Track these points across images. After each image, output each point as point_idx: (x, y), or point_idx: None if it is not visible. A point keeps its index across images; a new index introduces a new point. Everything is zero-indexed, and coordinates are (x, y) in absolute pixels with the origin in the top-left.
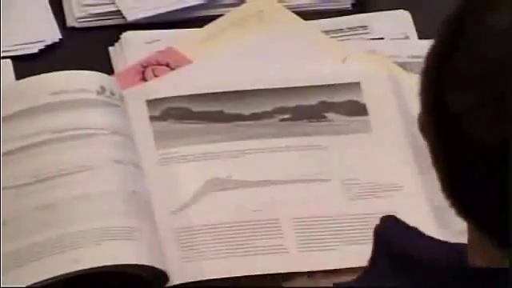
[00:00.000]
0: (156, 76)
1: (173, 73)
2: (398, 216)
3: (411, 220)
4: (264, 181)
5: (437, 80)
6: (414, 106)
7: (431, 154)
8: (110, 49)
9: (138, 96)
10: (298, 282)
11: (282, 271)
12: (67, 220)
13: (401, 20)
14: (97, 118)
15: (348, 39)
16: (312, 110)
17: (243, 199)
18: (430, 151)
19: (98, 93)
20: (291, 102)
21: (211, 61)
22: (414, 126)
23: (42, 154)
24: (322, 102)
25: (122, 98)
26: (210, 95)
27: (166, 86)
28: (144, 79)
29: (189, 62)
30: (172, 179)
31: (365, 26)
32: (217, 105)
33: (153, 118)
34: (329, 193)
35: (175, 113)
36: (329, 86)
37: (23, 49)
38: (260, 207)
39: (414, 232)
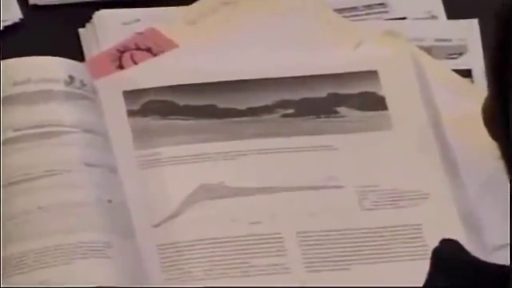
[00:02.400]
0: (135, 63)
1: (155, 59)
2: (424, 229)
3: (439, 234)
4: (264, 188)
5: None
6: (442, 99)
7: (499, 148)
8: (81, 31)
9: (113, 87)
10: None
11: None
12: (31, 234)
13: None
14: (65, 113)
15: (364, 19)
16: (320, 104)
17: (239, 210)
18: (498, 145)
19: (67, 83)
20: (296, 95)
21: (201, 45)
22: (441, 121)
23: (1, 156)
24: (333, 95)
25: (94, 90)
26: (199, 86)
27: (147, 74)
28: (121, 67)
29: (174, 46)
30: (154, 186)
31: (383, 4)
32: (207, 98)
33: (131, 113)
34: (341, 202)
35: (158, 107)
36: (341, 75)
37: None
38: (259, 219)
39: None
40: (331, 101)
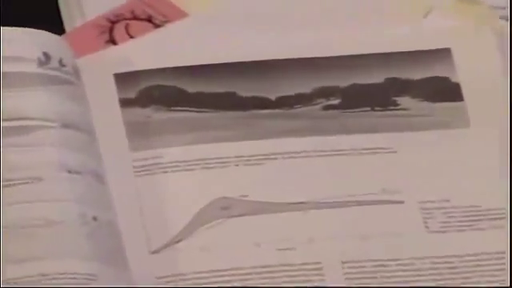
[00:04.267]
0: (131, 37)
1: (157, 32)
2: (510, 258)
3: None
4: (298, 203)
5: None
6: None
7: None
8: None
9: (102, 68)
10: None
11: None
12: None
13: None
14: (38, 102)
15: None
16: (375, 93)
17: (266, 231)
18: None
19: (41, 63)
20: (343, 80)
21: (218, 14)
22: None
23: None
24: (392, 80)
25: (77, 72)
26: (215, 68)
27: (147, 52)
28: (112, 41)
29: (183, 15)
30: (154, 199)
31: None
32: (226, 83)
33: (126, 103)
34: (400, 222)
35: (160, 95)
36: (402, 54)
37: None
38: (292, 244)
39: None
40: (390, 88)
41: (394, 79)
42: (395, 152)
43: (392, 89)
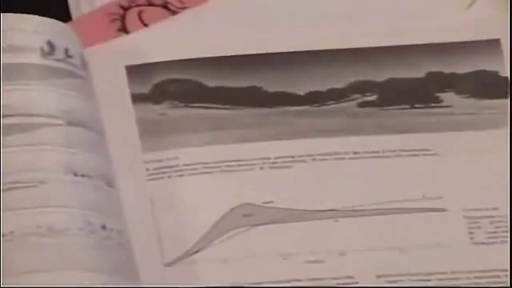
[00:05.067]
0: (145, 25)
1: (173, 20)
2: None
3: None
4: (328, 211)
5: None
6: None
7: None
8: None
9: (112, 60)
10: None
11: None
12: None
13: None
14: (41, 97)
15: None
16: (416, 88)
17: (292, 242)
18: None
19: (44, 53)
20: (380, 74)
21: (241, 0)
22: None
23: None
24: (434, 74)
25: (84, 64)
26: (237, 60)
27: (162, 42)
28: (124, 30)
29: (201, 0)
30: (169, 205)
31: None
32: (250, 77)
33: (138, 98)
34: (443, 232)
35: (176, 89)
36: (446, 46)
37: None
38: (321, 256)
39: None
40: (432, 83)
41: (437, 73)
42: (437, 154)
43: (434, 84)
